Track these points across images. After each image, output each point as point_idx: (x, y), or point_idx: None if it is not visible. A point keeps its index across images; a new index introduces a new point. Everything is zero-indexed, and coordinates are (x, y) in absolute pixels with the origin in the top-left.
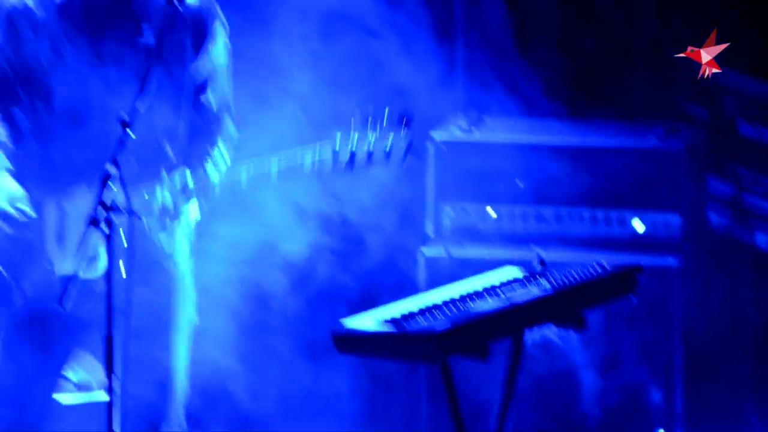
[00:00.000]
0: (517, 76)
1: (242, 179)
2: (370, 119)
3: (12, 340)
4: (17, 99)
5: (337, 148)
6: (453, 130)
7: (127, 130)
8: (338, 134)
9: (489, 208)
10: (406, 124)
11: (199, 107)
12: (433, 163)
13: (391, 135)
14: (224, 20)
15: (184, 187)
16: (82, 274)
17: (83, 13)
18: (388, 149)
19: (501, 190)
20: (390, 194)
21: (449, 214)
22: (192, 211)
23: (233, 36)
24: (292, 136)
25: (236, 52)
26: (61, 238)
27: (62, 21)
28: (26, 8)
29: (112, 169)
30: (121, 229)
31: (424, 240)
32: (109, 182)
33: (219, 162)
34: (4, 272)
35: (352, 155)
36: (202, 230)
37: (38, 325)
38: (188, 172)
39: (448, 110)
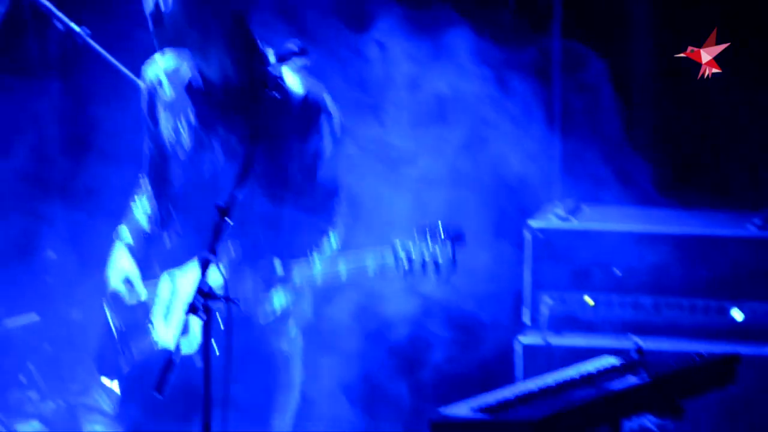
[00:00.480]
0: (616, 164)
1: (317, 276)
2: (428, 230)
3: (121, 404)
4: (163, 176)
5: (400, 254)
6: (550, 218)
7: (225, 218)
8: (398, 241)
9: (586, 297)
10: (457, 240)
11: (305, 195)
12: (531, 251)
13: (442, 249)
14: (333, 107)
15: (278, 276)
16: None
17: (203, 92)
18: (439, 262)
19: (599, 278)
20: (487, 281)
21: (547, 302)
22: (285, 297)
23: (346, 121)
24: (404, 221)
25: (348, 138)
26: (167, 311)
27: (186, 100)
28: (161, 83)
29: (210, 256)
30: (218, 315)
31: (522, 328)
32: (208, 269)
33: (326, 251)
34: (114, 330)
35: (410, 263)
36: (313, 309)
37: (142, 390)
38: (277, 261)
39: (546, 198)
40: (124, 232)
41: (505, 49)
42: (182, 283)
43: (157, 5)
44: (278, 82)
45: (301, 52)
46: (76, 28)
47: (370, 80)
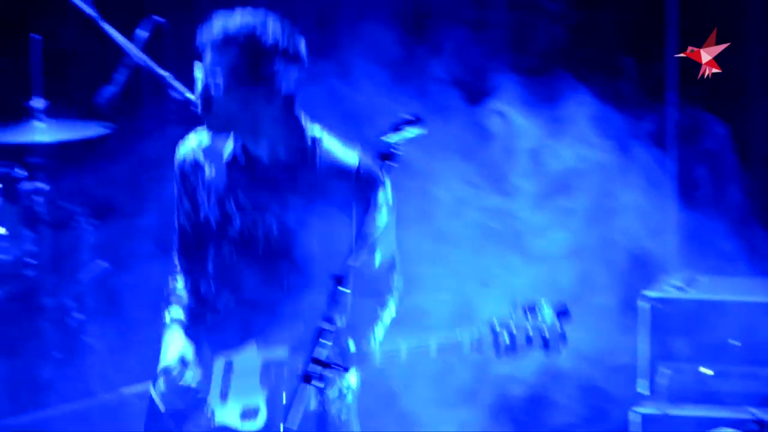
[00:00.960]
0: (738, 235)
1: (402, 352)
2: (530, 306)
3: None
4: (201, 254)
5: (498, 330)
6: (667, 289)
7: (340, 287)
8: (495, 318)
9: (703, 368)
10: (563, 316)
11: (364, 267)
12: (648, 321)
13: (550, 323)
14: (385, 177)
15: (345, 353)
16: (242, 426)
17: (248, 169)
18: (546, 337)
19: (716, 348)
20: (603, 350)
21: (664, 373)
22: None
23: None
24: (529, 292)
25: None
26: (225, 390)
27: (228, 177)
28: (196, 161)
29: (326, 325)
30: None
31: (638, 398)
32: (322, 339)
33: (386, 322)
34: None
35: (512, 338)
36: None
37: None
38: (351, 341)
39: (666, 268)
40: (176, 310)
41: (625, 116)
42: (238, 363)
43: (207, 88)
44: (329, 156)
45: (416, 121)
46: (193, 98)
47: (491, 150)
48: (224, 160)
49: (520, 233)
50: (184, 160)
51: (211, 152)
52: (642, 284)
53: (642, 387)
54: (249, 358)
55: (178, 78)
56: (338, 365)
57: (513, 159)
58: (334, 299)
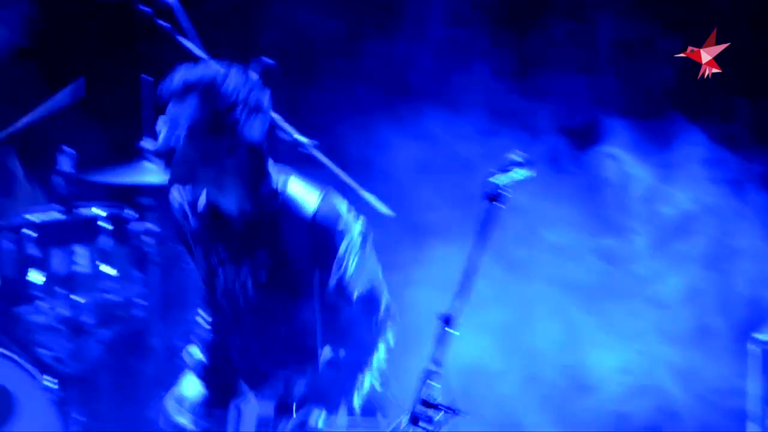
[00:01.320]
0: None
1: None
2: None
3: None
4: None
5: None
6: None
7: (447, 328)
8: (404, 417)
9: None
10: (450, 412)
11: (340, 316)
12: (758, 364)
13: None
14: (348, 220)
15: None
16: None
17: (219, 223)
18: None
19: None
20: (718, 393)
21: None
22: None
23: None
24: (646, 335)
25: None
26: None
27: (207, 230)
28: (183, 211)
29: (432, 367)
30: None
31: None
32: (429, 379)
33: (376, 371)
34: None
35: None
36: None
37: None
38: (315, 413)
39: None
40: (195, 349)
41: (738, 159)
42: (245, 413)
43: (168, 139)
44: (290, 204)
45: (524, 163)
46: (303, 140)
47: (604, 195)
48: (204, 214)
49: (635, 278)
50: (174, 209)
51: (192, 204)
52: (756, 328)
53: (752, 430)
54: (250, 410)
55: (287, 120)
56: (446, 407)
57: (626, 203)
58: (441, 340)
